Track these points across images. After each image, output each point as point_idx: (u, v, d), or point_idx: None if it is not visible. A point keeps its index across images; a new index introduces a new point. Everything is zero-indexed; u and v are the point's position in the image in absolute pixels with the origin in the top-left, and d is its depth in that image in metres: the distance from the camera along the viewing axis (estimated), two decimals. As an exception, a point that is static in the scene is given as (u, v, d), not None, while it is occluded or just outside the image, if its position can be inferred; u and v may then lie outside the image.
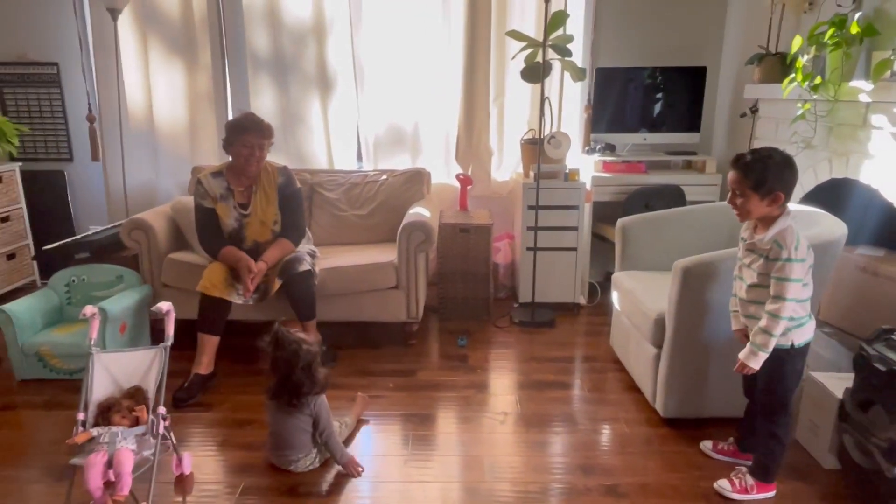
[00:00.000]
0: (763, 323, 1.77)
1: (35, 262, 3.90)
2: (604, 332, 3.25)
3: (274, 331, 2.08)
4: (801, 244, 1.74)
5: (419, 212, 3.15)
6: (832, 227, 2.16)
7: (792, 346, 1.81)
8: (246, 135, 2.69)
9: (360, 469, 2.10)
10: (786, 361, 1.83)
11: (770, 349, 1.78)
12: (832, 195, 2.65)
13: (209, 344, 2.66)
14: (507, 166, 3.94)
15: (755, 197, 1.74)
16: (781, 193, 1.72)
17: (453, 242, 3.42)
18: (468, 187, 3.74)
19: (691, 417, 2.35)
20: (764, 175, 1.71)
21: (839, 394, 2.03)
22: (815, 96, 2.57)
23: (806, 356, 1.88)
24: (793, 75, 2.65)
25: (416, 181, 3.54)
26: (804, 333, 1.83)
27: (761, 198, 1.73)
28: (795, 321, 1.79)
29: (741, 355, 1.83)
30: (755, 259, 1.81)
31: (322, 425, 2.07)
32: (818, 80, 2.53)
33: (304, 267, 2.77)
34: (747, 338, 1.88)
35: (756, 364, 1.79)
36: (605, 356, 3.01)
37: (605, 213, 3.64)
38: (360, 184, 3.58)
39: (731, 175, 1.79)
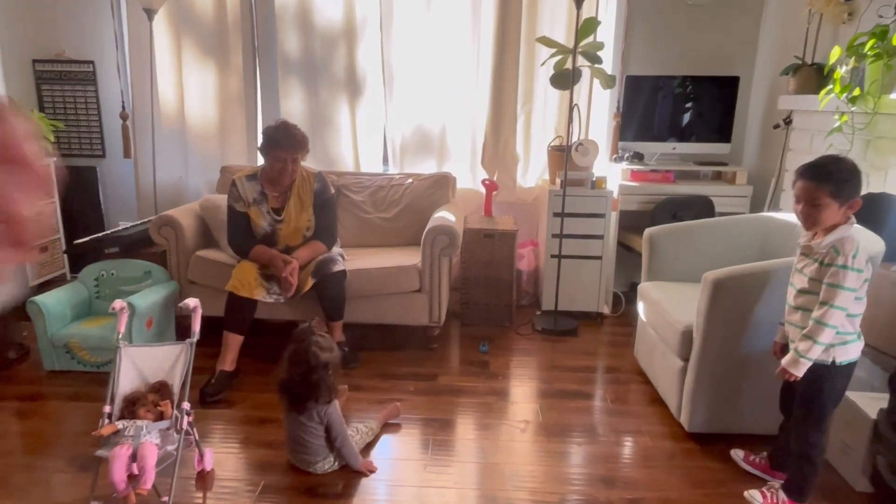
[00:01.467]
0: (808, 329, 1.72)
1: (66, 256, 3.98)
2: (628, 343, 3.21)
3: (307, 328, 2.09)
4: (861, 255, 1.69)
5: (444, 216, 3.15)
6: (870, 243, 2.11)
7: (833, 362, 1.75)
8: (278, 150, 2.70)
9: (373, 469, 2.10)
10: (826, 379, 1.77)
11: (813, 357, 1.72)
12: (869, 210, 2.57)
13: (234, 342, 2.68)
14: (533, 173, 3.92)
15: (834, 205, 1.69)
16: (859, 199, 1.69)
17: (477, 248, 3.41)
18: (493, 193, 3.73)
19: (718, 433, 2.30)
20: (843, 182, 1.68)
21: (873, 414, 1.98)
22: (853, 108, 2.51)
23: (850, 378, 1.81)
24: (830, 86, 2.59)
25: (441, 185, 3.53)
26: (849, 352, 1.76)
27: (840, 205, 1.69)
28: (840, 336, 1.73)
29: (784, 360, 1.77)
30: (809, 263, 1.77)
31: (335, 433, 2.06)
32: (857, 91, 2.47)
33: (339, 267, 2.79)
34: (782, 353, 1.84)
35: (799, 371, 1.74)
36: (628, 367, 2.97)
37: (632, 223, 3.60)
38: (386, 187, 3.59)
39: (803, 184, 1.72)
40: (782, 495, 1.90)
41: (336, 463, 2.11)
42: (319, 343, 2.06)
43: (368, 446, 2.26)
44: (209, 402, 2.53)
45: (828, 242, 1.71)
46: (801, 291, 1.79)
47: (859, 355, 1.79)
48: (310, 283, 2.76)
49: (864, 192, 2.55)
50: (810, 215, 1.73)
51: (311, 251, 2.82)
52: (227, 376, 2.65)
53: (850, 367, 1.78)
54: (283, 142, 2.71)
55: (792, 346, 1.78)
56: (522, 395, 2.71)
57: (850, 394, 2.14)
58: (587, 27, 3.11)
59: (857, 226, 2.24)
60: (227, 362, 2.66)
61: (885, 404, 1.94)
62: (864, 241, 2.12)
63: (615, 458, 2.23)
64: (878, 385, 2.31)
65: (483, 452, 2.26)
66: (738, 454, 2.16)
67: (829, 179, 1.68)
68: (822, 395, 1.80)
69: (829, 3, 2.90)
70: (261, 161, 2.89)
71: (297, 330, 2.11)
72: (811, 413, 1.83)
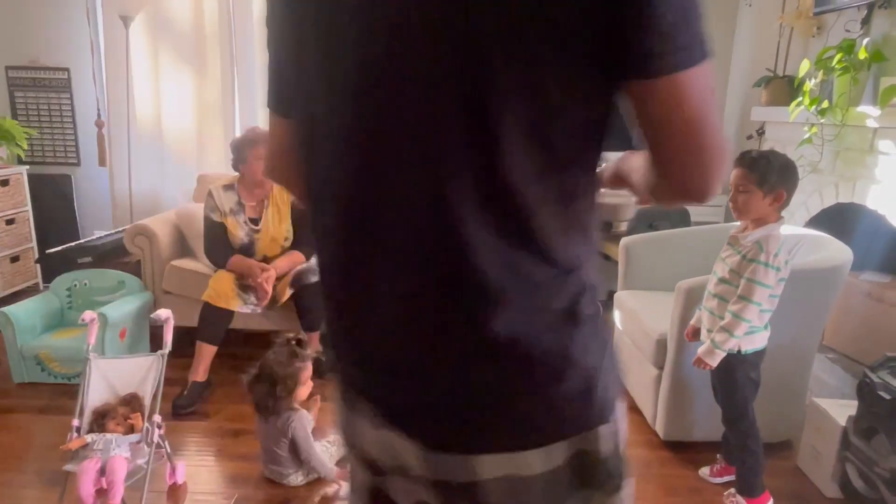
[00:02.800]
0: (726, 322, 1.78)
1: (38, 266, 3.91)
2: (605, 352, 3.22)
3: (282, 340, 2.11)
4: (781, 255, 1.76)
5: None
6: (838, 252, 2.15)
7: (739, 351, 1.82)
8: (258, 147, 2.71)
9: (347, 479, 2.08)
10: (736, 369, 1.85)
11: (727, 348, 1.79)
12: (838, 220, 2.64)
13: (207, 353, 2.65)
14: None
15: (759, 193, 1.75)
16: (783, 191, 1.74)
17: (456, 257, 3.40)
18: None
19: (692, 441, 2.32)
20: (769, 171, 1.74)
21: (842, 421, 2.01)
22: (822, 120, 2.56)
23: (759, 366, 1.89)
24: (800, 99, 2.65)
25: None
26: (754, 342, 1.84)
27: (765, 194, 1.75)
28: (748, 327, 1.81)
29: (700, 350, 1.85)
30: (732, 254, 1.83)
31: (300, 446, 2.01)
32: (825, 104, 2.53)
33: (317, 277, 2.77)
34: (694, 336, 1.96)
35: (714, 361, 1.81)
36: (606, 376, 2.98)
37: (608, 232, 3.63)
38: (365, 196, 3.58)
39: (734, 172, 1.80)
40: (741, 499, 1.94)
41: (310, 475, 2.09)
42: (278, 356, 2.06)
43: (343, 459, 2.24)
44: (182, 414, 2.49)
45: (753, 238, 1.77)
46: (721, 280, 1.85)
47: (766, 344, 1.86)
48: (287, 293, 2.74)
49: (833, 202, 2.62)
50: (735, 200, 1.80)
51: (289, 261, 2.80)
52: (200, 387, 2.62)
53: (758, 354, 1.86)
54: (260, 139, 2.73)
55: (709, 335, 1.84)
56: (500, 404, 2.70)
57: (820, 400, 2.17)
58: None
59: (826, 235, 2.30)
60: (200, 373, 2.63)
61: (854, 411, 1.97)
62: (829, 252, 2.16)
63: (591, 467, 2.23)
64: (848, 392, 2.36)
65: (460, 462, 2.25)
66: (704, 472, 2.18)
67: (756, 168, 1.75)
68: (740, 386, 1.88)
69: (799, 17, 2.97)
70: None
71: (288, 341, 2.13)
72: (735, 406, 1.91)
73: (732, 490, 1.99)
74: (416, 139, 0.63)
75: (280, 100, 0.80)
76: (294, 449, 2.04)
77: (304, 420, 2.05)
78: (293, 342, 2.12)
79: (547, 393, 0.68)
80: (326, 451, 2.14)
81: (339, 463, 2.13)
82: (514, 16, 0.57)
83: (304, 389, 2.12)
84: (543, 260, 0.66)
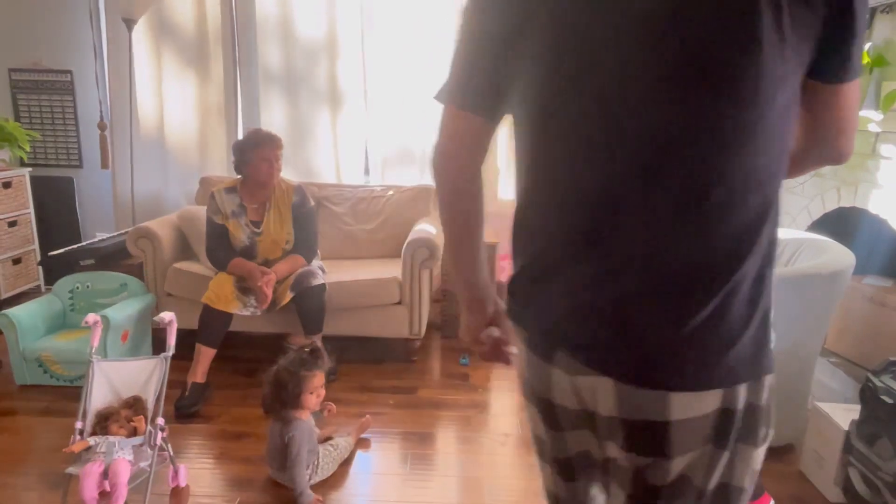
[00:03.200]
0: None
1: (40, 268, 3.91)
2: (607, 355, 3.23)
3: (314, 347, 2.15)
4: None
5: (425, 228, 3.15)
6: (840, 256, 2.15)
7: None
8: (262, 149, 2.73)
9: None
10: None
11: None
12: (840, 224, 2.64)
13: (206, 355, 2.65)
14: (513, 185, 3.93)
15: None
16: None
17: (458, 260, 3.41)
18: (474, 205, 3.74)
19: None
20: None
21: (845, 425, 2.00)
22: (824, 124, 2.56)
23: None
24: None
25: (422, 197, 3.54)
26: None
27: None
28: None
29: None
30: None
31: (291, 451, 1.99)
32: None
33: (318, 281, 2.79)
34: None
35: None
36: (607, 379, 2.99)
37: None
38: (367, 199, 3.59)
39: None
40: None
41: (312, 479, 2.09)
42: (288, 363, 2.08)
43: (346, 461, 2.24)
44: (185, 415, 2.49)
45: None
46: None
47: None
48: (288, 296, 2.74)
49: (835, 206, 2.62)
50: None
51: (290, 265, 2.81)
52: (201, 388, 2.62)
53: None
54: (263, 141, 2.75)
55: None
56: (503, 407, 2.71)
57: (822, 404, 2.17)
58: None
59: (828, 239, 2.30)
60: (199, 374, 2.63)
61: (857, 416, 1.97)
62: (831, 256, 2.16)
63: (594, 471, 2.23)
64: (851, 396, 2.36)
65: (463, 466, 2.25)
66: None
67: None
68: None
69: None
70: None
71: (304, 349, 2.16)
72: None
73: None
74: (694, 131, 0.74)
75: (482, 99, 0.88)
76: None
77: (302, 431, 2.01)
78: (305, 350, 2.12)
79: (750, 336, 0.77)
80: (329, 454, 2.14)
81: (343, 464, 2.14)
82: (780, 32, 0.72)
83: (313, 398, 2.10)
84: (765, 212, 0.77)
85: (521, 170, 0.91)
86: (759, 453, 0.82)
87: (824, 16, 0.73)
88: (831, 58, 0.77)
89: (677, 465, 0.78)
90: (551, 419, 0.92)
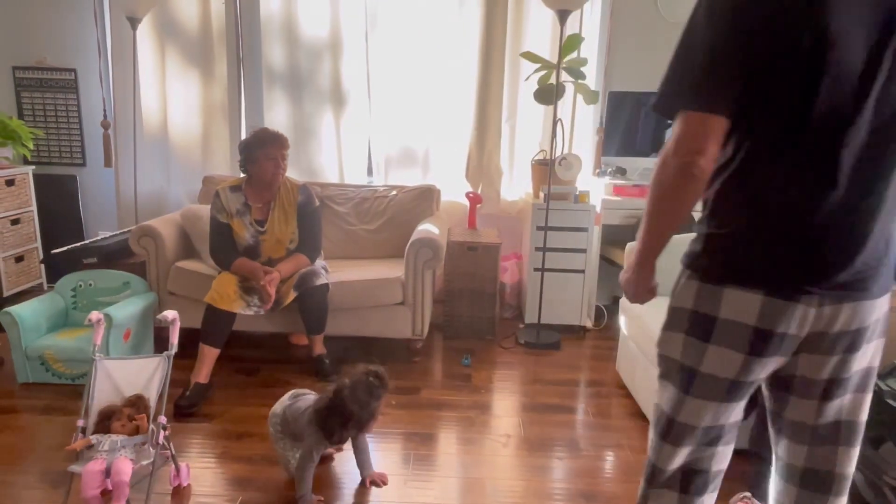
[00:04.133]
0: None
1: (43, 266, 3.92)
2: (610, 357, 3.22)
3: (377, 371, 2.00)
4: None
5: (428, 228, 3.15)
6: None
7: None
8: (268, 148, 2.73)
9: None
10: None
11: None
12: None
13: (210, 355, 2.65)
14: (517, 186, 3.93)
15: None
16: None
17: (461, 260, 3.41)
18: (477, 206, 3.74)
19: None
20: None
21: (850, 429, 2.00)
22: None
23: None
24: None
25: (425, 198, 3.54)
26: None
27: None
28: None
29: None
30: None
31: (303, 447, 1.97)
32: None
33: (321, 281, 2.79)
34: None
35: None
36: (610, 381, 2.98)
37: (615, 237, 3.62)
38: (370, 199, 3.59)
39: None
40: (755, 501, 1.94)
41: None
42: (355, 391, 1.94)
43: (347, 461, 2.23)
44: (184, 414, 2.49)
45: None
46: None
47: None
48: (291, 296, 2.74)
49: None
50: None
51: (293, 264, 2.81)
52: (203, 388, 2.61)
53: None
54: (270, 140, 2.75)
55: None
56: (505, 408, 2.70)
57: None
58: (571, 43, 3.14)
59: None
60: (202, 374, 2.62)
61: (861, 419, 1.96)
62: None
63: (597, 473, 2.23)
64: (855, 400, 2.34)
65: (465, 467, 2.24)
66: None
67: None
68: None
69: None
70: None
71: (373, 375, 1.98)
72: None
73: (748, 494, 1.98)
74: None
75: (727, 100, 1.06)
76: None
77: (318, 443, 1.98)
78: (371, 376, 1.96)
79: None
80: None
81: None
82: None
83: (375, 423, 2.03)
84: None
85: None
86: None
87: None
88: None
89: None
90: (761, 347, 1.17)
